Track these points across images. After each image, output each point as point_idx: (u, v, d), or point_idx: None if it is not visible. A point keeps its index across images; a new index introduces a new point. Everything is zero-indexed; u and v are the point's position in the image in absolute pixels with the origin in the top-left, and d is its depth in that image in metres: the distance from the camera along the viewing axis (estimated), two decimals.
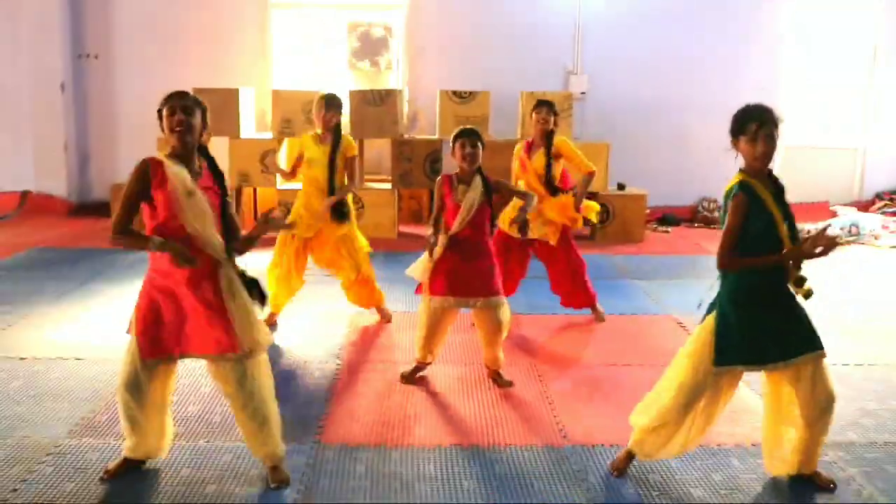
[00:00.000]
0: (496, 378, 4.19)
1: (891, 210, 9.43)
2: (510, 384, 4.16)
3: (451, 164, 4.12)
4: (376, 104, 8.27)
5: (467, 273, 3.96)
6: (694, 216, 9.70)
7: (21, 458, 3.24)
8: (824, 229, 2.95)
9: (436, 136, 8.50)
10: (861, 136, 10.01)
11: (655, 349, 4.83)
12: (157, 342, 2.92)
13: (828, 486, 3.08)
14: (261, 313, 3.08)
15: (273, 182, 8.27)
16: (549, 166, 4.93)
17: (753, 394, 3.90)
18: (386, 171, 8.67)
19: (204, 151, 2.99)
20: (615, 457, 3.24)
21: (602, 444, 3.50)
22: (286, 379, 4.25)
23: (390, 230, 8.15)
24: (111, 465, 3.11)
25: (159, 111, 2.86)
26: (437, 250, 3.97)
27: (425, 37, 9.49)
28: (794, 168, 8.63)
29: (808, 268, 2.91)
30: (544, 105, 4.93)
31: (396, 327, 5.13)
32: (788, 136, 8.60)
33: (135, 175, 2.84)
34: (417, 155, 8.30)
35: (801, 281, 2.89)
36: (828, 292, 6.07)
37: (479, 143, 3.92)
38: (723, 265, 2.92)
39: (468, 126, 4.03)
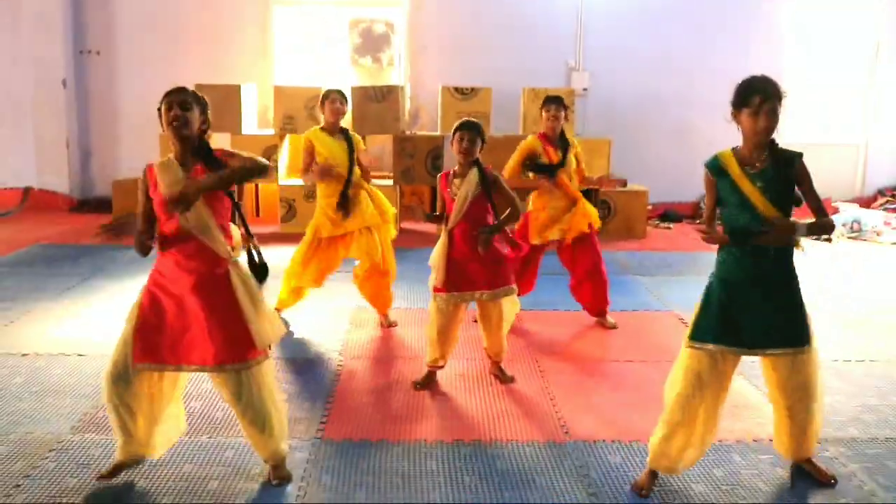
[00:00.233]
0: (498, 373, 4.20)
1: (893, 206, 9.42)
2: (512, 380, 4.17)
3: (452, 160, 4.10)
4: (378, 101, 8.28)
5: (470, 267, 3.92)
6: (696, 212, 9.70)
7: (24, 454, 3.25)
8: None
9: (437, 133, 8.50)
10: (863, 133, 10.00)
11: (658, 345, 4.84)
12: (152, 348, 2.87)
13: (828, 482, 3.08)
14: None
15: (275, 178, 8.27)
16: (562, 164, 4.92)
17: (754, 389, 3.91)
18: (388, 167, 8.67)
19: (201, 149, 2.88)
20: (638, 479, 3.09)
21: (604, 440, 3.50)
22: (289, 375, 4.26)
23: (392, 225, 8.14)
24: (105, 470, 3.06)
25: (159, 109, 2.85)
26: (440, 245, 3.96)
27: (427, 33, 9.49)
28: None
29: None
30: (553, 101, 4.89)
31: (398, 323, 5.14)
32: (790, 132, 8.59)
33: (139, 185, 2.91)
34: (419, 151, 8.30)
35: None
36: (830, 287, 6.09)
37: (477, 137, 3.89)
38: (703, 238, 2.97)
39: (469, 118, 3.99)
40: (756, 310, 2.87)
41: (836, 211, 8.98)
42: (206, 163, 2.84)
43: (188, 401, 3.77)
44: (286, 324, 4.78)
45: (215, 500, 2.92)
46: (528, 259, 5.06)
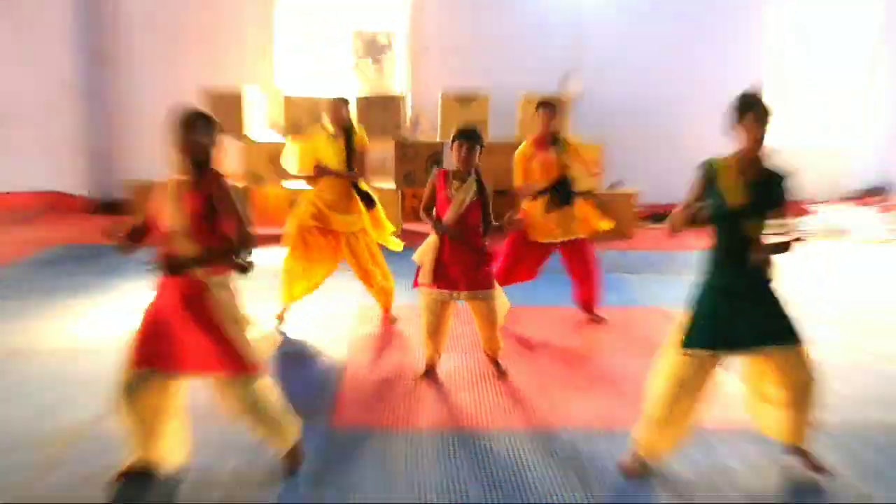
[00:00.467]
0: (495, 367, 4.27)
1: (871, 207, 9.50)
2: (506, 374, 4.23)
3: (452, 164, 4.12)
4: (380, 108, 8.40)
5: (454, 267, 3.97)
6: None
7: (52, 441, 3.36)
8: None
9: (437, 139, 8.60)
10: (842, 137, 10.07)
11: (645, 339, 4.92)
12: (151, 353, 2.90)
13: (818, 470, 3.11)
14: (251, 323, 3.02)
15: (281, 182, 8.36)
16: (561, 166, 4.93)
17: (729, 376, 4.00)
18: (390, 171, 8.76)
19: (208, 171, 2.90)
20: (626, 464, 3.19)
21: (594, 428, 3.60)
22: (299, 366, 4.35)
23: (394, 227, 8.22)
24: (123, 468, 3.06)
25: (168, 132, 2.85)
26: (428, 243, 4.02)
27: (427, 41, 9.53)
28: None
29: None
30: (546, 105, 4.92)
31: (401, 319, 5.20)
32: (775, 136, 8.68)
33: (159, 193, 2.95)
34: (420, 156, 8.41)
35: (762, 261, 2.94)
36: (805, 283, 6.17)
37: (476, 145, 3.91)
38: (669, 229, 3.05)
39: (467, 125, 3.99)
40: (746, 313, 2.94)
41: (813, 212, 9.06)
42: (209, 193, 2.85)
43: (195, 396, 3.80)
44: (283, 334, 4.87)
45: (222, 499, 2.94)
46: (524, 254, 5.07)
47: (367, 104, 8.37)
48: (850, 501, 3.01)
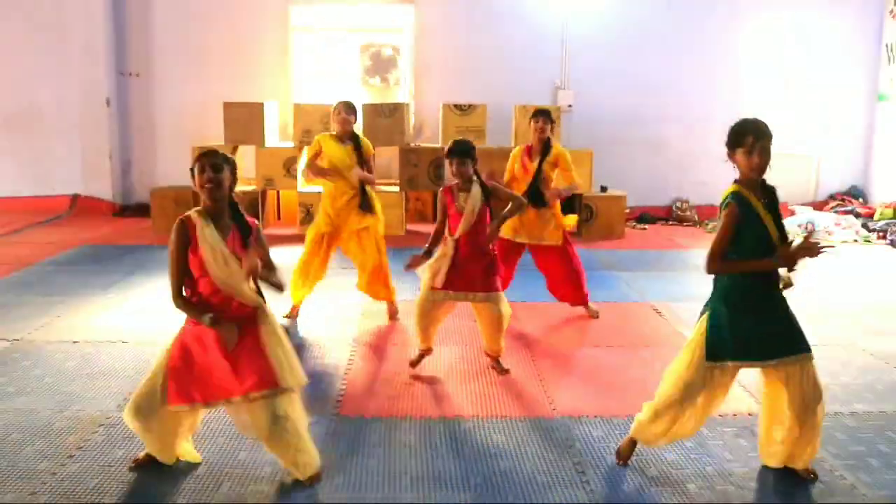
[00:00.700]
0: (495, 366, 4.16)
1: (842, 209, 9.44)
2: (507, 371, 4.11)
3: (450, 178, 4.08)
4: (386, 116, 8.32)
5: (467, 270, 3.90)
6: (669, 215, 9.72)
7: (76, 428, 3.29)
8: (809, 236, 2.74)
9: (439, 145, 8.52)
10: (815, 145, 10.01)
11: (634, 333, 4.87)
12: (184, 390, 2.74)
13: (807, 476, 2.96)
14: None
15: (294, 186, 8.31)
16: (539, 172, 4.84)
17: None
18: (395, 175, 8.71)
19: (233, 207, 2.79)
20: (619, 446, 3.10)
21: (587, 416, 3.53)
22: (308, 359, 4.28)
23: (399, 228, 8.18)
24: (140, 455, 2.98)
25: (192, 169, 2.71)
26: (443, 252, 3.93)
27: (429, 56, 9.51)
28: None
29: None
30: (542, 114, 4.86)
31: (404, 314, 5.12)
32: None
33: (174, 237, 2.71)
34: (423, 161, 8.34)
35: (788, 282, 2.80)
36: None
37: (467, 160, 3.83)
38: (710, 270, 2.78)
39: (459, 141, 3.91)
40: (762, 326, 2.78)
41: (792, 213, 9.00)
42: (240, 228, 2.77)
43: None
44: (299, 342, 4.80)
45: (228, 501, 2.77)
46: (505, 254, 4.94)
47: (373, 112, 8.30)
48: (836, 491, 2.92)
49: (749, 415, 3.50)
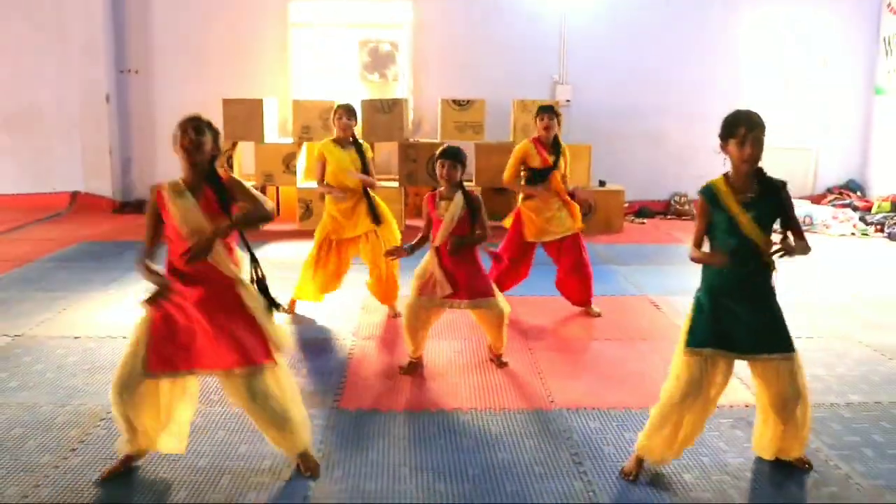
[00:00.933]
0: (496, 360, 4.15)
1: (840, 202, 9.45)
2: (505, 364, 4.12)
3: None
4: (385, 112, 8.32)
5: (452, 278, 3.84)
6: (667, 209, 9.73)
7: (78, 422, 3.31)
8: (783, 240, 2.75)
9: (438, 140, 8.53)
10: (813, 139, 10.02)
11: (632, 326, 4.89)
12: (165, 357, 2.71)
13: (802, 466, 2.97)
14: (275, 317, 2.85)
15: (294, 182, 8.32)
16: (554, 166, 4.82)
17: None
18: (394, 170, 8.71)
19: (211, 175, 2.76)
20: (625, 465, 2.98)
21: (584, 408, 3.55)
22: (309, 353, 4.30)
23: (398, 223, 8.17)
24: (107, 468, 2.87)
25: (175, 135, 2.69)
26: (428, 258, 3.90)
27: (428, 52, 9.50)
28: None
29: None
30: (546, 111, 4.81)
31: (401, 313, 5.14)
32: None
33: (149, 205, 2.77)
34: (421, 156, 8.34)
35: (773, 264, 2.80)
36: (783, 273, 6.12)
37: (457, 164, 3.82)
38: (691, 258, 2.85)
39: (450, 146, 3.91)
40: (744, 319, 2.77)
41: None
42: (215, 190, 2.73)
43: (207, 395, 3.70)
44: (300, 318, 4.81)
45: (228, 494, 2.77)
46: (522, 254, 4.99)
47: (371, 108, 8.30)
48: (831, 481, 2.94)
49: (745, 406, 3.52)
